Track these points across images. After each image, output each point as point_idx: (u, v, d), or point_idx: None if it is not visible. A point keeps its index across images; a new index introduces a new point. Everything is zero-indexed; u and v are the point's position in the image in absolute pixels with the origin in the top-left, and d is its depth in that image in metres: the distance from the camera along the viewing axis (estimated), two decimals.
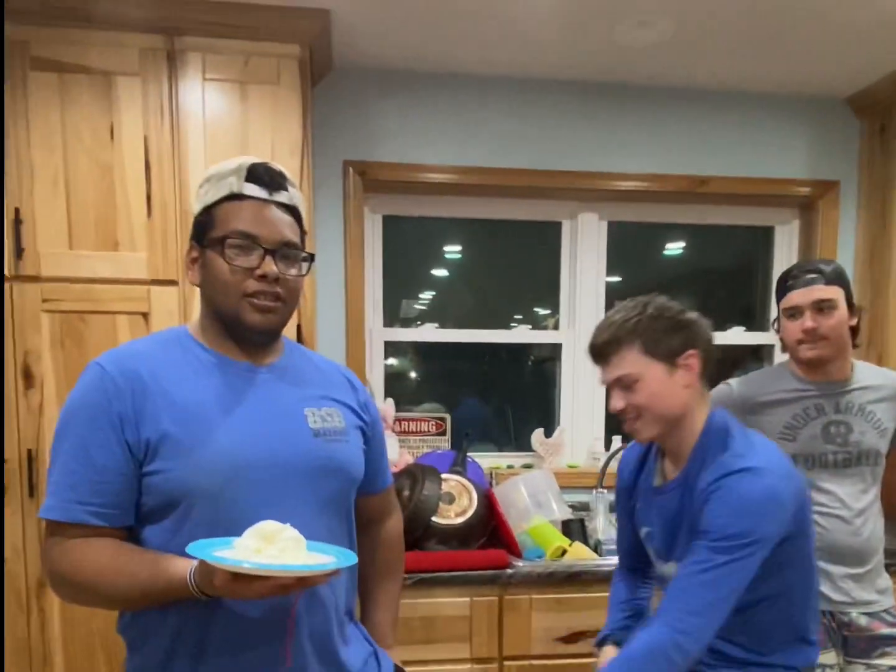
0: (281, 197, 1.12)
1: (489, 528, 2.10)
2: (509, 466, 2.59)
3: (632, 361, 1.29)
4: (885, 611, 1.71)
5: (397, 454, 2.44)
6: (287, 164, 1.95)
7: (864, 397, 1.74)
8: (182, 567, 0.99)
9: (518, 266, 2.75)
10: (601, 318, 2.71)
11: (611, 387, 1.34)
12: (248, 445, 1.07)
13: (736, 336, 2.80)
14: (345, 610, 1.20)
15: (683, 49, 2.22)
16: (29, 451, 1.86)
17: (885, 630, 1.69)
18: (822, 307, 1.67)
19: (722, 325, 2.77)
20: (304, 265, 1.15)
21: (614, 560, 2.00)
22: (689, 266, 2.87)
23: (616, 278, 2.73)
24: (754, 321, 2.83)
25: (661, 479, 1.41)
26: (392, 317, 2.64)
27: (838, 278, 1.69)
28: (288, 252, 1.12)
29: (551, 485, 2.31)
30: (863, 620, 1.67)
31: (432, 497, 2.02)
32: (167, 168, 1.91)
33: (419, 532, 1.98)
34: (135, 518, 1.07)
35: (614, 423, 2.66)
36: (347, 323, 2.41)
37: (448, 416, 2.59)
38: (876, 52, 2.24)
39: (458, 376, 2.79)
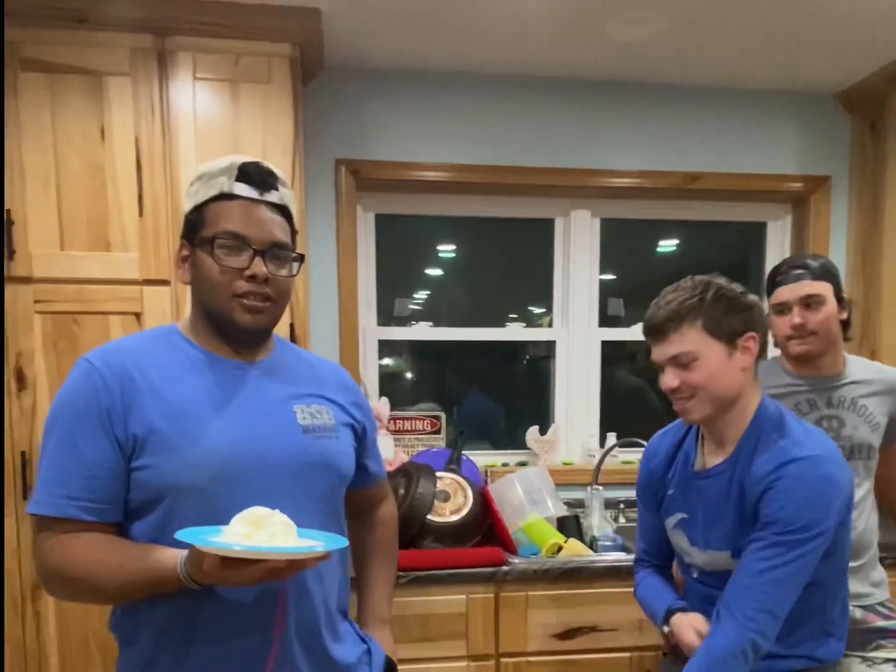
0: (272, 197, 1.12)
1: (485, 525, 2.10)
2: (504, 464, 2.59)
3: (692, 339, 1.28)
4: (879, 603, 1.71)
5: (392, 453, 2.44)
6: (279, 162, 1.95)
7: (856, 392, 1.74)
8: (172, 557, 1.00)
9: (513, 265, 2.75)
10: (594, 315, 2.76)
11: (665, 364, 1.32)
12: (237, 442, 1.07)
13: None
14: (337, 607, 1.20)
15: (675, 46, 2.23)
16: (22, 454, 1.85)
17: (881, 623, 1.70)
18: (809, 303, 1.68)
19: None
20: (294, 265, 1.15)
21: (610, 556, 2.03)
22: (683, 263, 2.87)
23: (610, 276, 2.73)
24: None
25: (701, 464, 1.40)
26: (386, 315, 2.64)
27: (826, 273, 1.70)
28: (278, 252, 1.12)
29: (546, 482, 2.31)
30: (857, 613, 1.67)
31: (427, 495, 2.02)
32: (158, 168, 1.91)
33: (414, 530, 1.98)
34: (123, 514, 1.07)
35: (608, 421, 2.70)
36: (341, 321, 2.41)
37: (443, 415, 2.59)
38: (865, 48, 2.25)
39: (454, 376, 2.79)
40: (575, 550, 2.03)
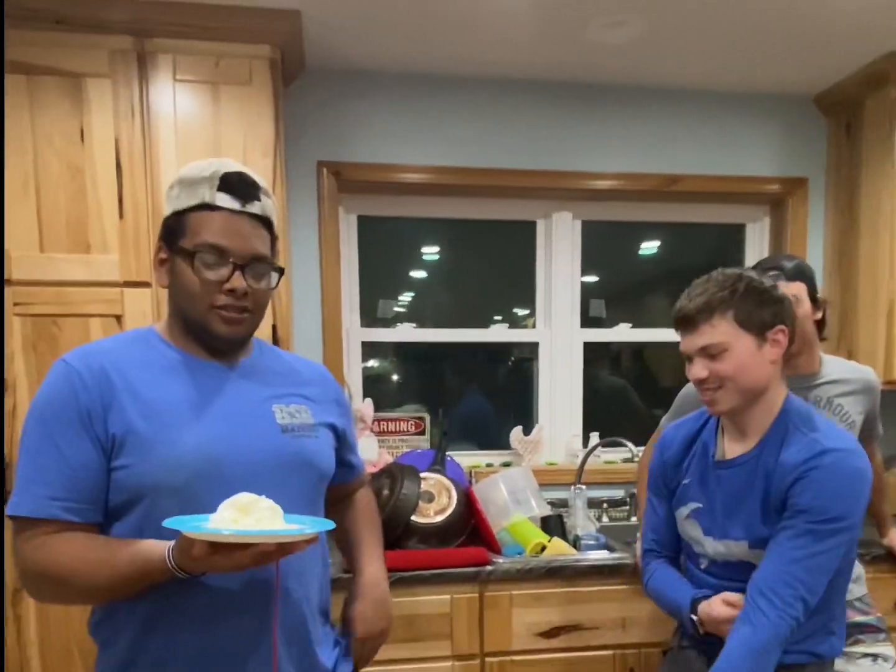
0: (253, 208, 1.12)
1: (469, 525, 2.11)
2: (489, 465, 2.60)
3: (723, 330, 1.29)
4: (857, 599, 1.74)
5: (376, 454, 2.44)
6: (260, 164, 1.95)
7: (832, 391, 1.77)
8: (160, 547, 1.00)
9: (497, 267, 2.77)
10: (577, 316, 2.77)
11: (694, 355, 1.34)
12: (215, 442, 1.08)
13: None
14: (318, 608, 1.21)
15: (654, 49, 2.25)
16: (2, 457, 1.83)
17: (859, 618, 1.72)
18: None
19: None
20: (274, 277, 1.15)
21: (593, 555, 2.04)
22: (664, 265, 2.90)
23: (593, 278, 2.75)
24: None
25: (721, 454, 1.41)
26: (370, 317, 2.64)
27: (800, 274, 1.72)
28: (258, 266, 1.12)
29: (530, 482, 2.32)
30: None
31: (412, 496, 2.02)
32: (139, 170, 1.90)
33: (399, 531, 1.98)
34: (103, 515, 1.07)
35: (591, 421, 2.71)
36: (324, 323, 2.41)
37: (427, 416, 2.60)
38: (840, 53, 2.29)
39: (439, 377, 2.80)
40: (558, 550, 2.04)
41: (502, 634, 1.92)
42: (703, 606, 1.37)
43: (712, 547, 1.40)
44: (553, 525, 2.18)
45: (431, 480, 2.13)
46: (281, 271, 1.17)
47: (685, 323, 1.34)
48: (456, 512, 2.06)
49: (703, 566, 1.43)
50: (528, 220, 2.66)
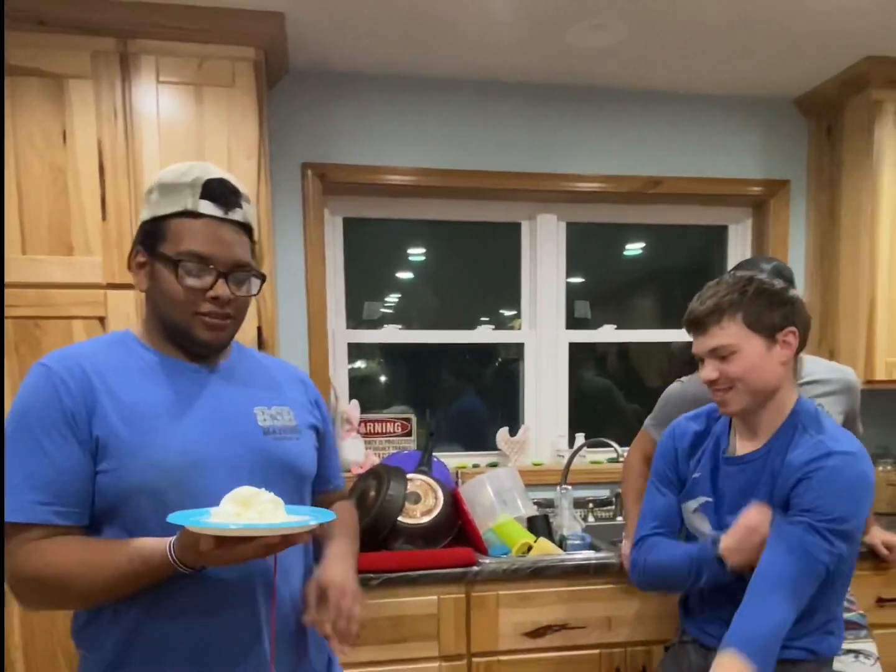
0: (235, 215, 1.12)
1: (455, 526, 2.11)
2: (475, 465, 2.61)
3: (732, 333, 1.31)
4: None
5: (363, 455, 2.44)
6: (244, 166, 1.95)
7: (812, 391, 1.78)
8: (159, 543, 1.00)
9: (484, 268, 2.77)
10: (562, 317, 2.78)
11: (705, 356, 1.35)
12: (197, 445, 1.08)
13: None
14: (302, 606, 1.20)
15: (636, 52, 2.27)
16: None
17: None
18: None
19: (680, 324, 2.81)
20: (255, 283, 1.16)
21: (579, 555, 2.04)
22: (649, 266, 2.92)
23: (579, 279, 2.76)
24: None
25: (733, 450, 1.42)
26: (357, 319, 2.64)
27: (778, 275, 1.73)
28: (240, 273, 1.13)
29: (516, 482, 2.32)
30: None
31: (398, 497, 2.02)
32: (122, 171, 1.89)
33: (385, 532, 1.98)
34: (89, 518, 1.06)
35: (577, 421, 2.72)
36: (309, 325, 2.41)
37: (414, 417, 2.60)
38: (821, 56, 2.32)
39: (426, 379, 2.80)
40: (544, 550, 2.05)
41: (489, 635, 1.92)
42: (726, 537, 1.36)
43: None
44: (539, 525, 2.18)
45: (418, 481, 2.13)
46: (263, 278, 1.18)
47: (696, 325, 1.37)
48: (442, 513, 2.06)
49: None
50: (513, 222, 2.67)
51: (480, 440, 2.72)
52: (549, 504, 2.48)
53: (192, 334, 1.11)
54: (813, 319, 1.81)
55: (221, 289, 1.10)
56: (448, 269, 2.81)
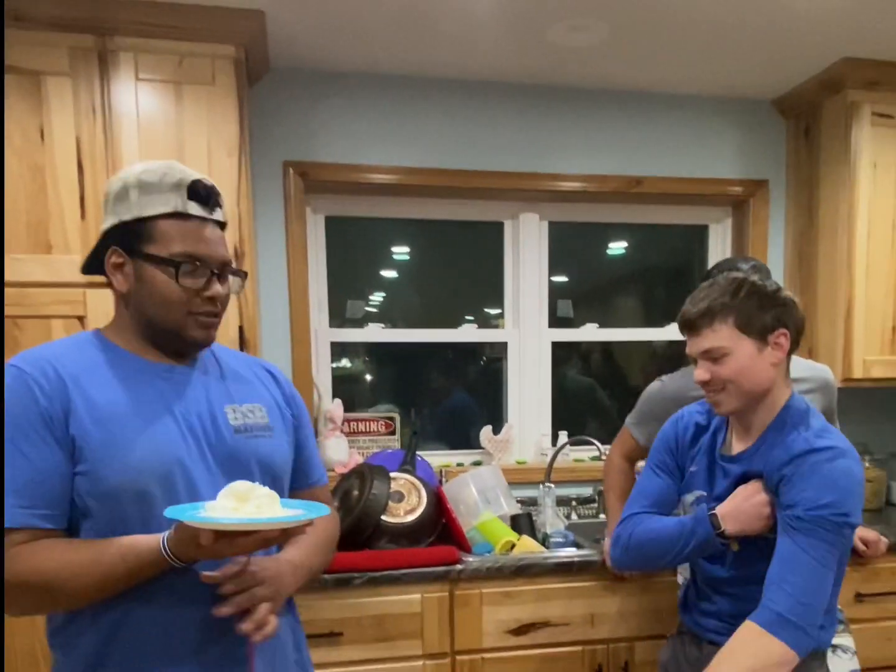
0: (217, 215, 1.15)
1: (439, 525, 2.11)
2: (459, 464, 2.61)
3: (724, 335, 1.32)
4: None
5: (347, 455, 2.44)
6: (225, 164, 1.94)
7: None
8: (150, 539, 1.00)
9: (468, 267, 2.78)
10: (545, 316, 2.79)
11: (698, 358, 1.37)
12: (170, 445, 1.08)
13: (676, 333, 2.87)
14: (293, 646, 1.23)
15: (617, 53, 2.28)
16: None
17: None
18: None
19: (662, 323, 2.85)
20: (238, 280, 1.19)
21: (562, 552, 2.05)
22: (632, 265, 2.94)
23: (562, 278, 2.78)
24: None
25: (728, 447, 1.44)
26: (341, 318, 2.63)
27: (756, 275, 1.76)
28: (226, 272, 1.15)
29: (500, 481, 2.33)
30: None
31: (381, 496, 2.02)
32: (101, 169, 1.87)
33: (369, 531, 1.98)
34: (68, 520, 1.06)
35: (560, 420, 2.74)
36: (292, 324, 2.40)
37: (398, 416, 2.60)
38: (799, 57, 2.34)
39: (410, 377, 2.79)
40: (528, 547, 2.06)
41: (473, 633, 1.93)
42: (721, 506, 1.36)
43: None
44: (523, 523, 2.19)
45: (401, 480, 2.13)
46: (245, 275, 1.20)
47: (688, 327, 1.38)
48: (426, 511, 2.07)
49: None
50: (495, 221, 2.68)
51: (470, 438, 2.72)
52: (533, 502, 2.49)
53: (184, 334, 1.12)
54: None
55: (217, 288, 1.12)
56: (431, 267, 2.81)
